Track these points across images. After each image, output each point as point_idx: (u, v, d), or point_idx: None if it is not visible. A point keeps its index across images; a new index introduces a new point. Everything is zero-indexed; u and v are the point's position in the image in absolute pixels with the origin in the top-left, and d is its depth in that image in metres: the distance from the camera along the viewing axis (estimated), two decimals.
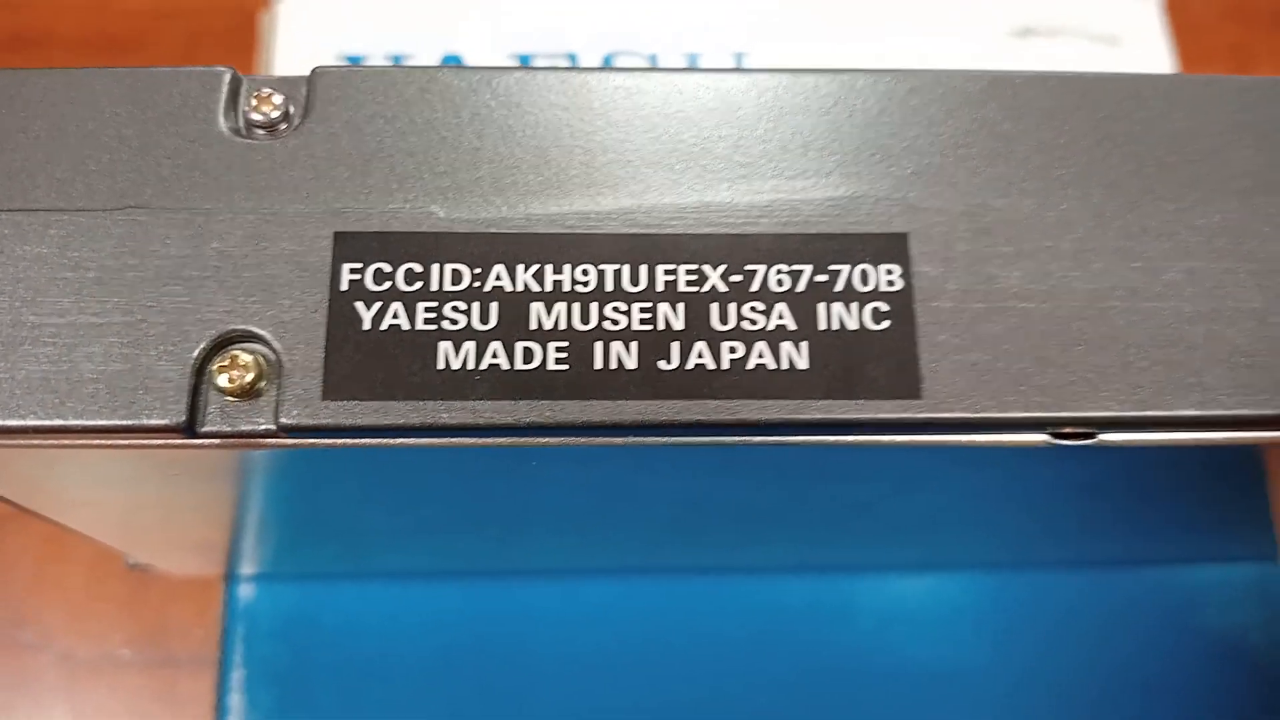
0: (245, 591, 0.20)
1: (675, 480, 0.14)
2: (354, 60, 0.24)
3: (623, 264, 0.12)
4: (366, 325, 0.11)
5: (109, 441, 0.11)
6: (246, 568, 0.20)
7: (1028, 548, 0.20)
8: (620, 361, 0.11)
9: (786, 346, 0.11)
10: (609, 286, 0.12)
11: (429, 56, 0.24)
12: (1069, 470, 0.14)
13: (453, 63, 0.24)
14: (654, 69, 0.18)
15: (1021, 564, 0.20)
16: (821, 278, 0.12)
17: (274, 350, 0.11)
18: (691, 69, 0.19)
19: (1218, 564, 0.21)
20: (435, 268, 0.11)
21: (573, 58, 0.24)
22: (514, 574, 0.21)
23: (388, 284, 0.11)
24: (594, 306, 0.11)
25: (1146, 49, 0.25)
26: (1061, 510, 0.18)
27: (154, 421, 0.11)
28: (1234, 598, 0.21)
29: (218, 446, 0.11)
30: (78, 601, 0.29)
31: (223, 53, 0.33)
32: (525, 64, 0.24)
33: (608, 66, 0.23)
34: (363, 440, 0.11)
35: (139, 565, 0.20)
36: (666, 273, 0.12)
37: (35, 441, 0.11)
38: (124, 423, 0.11)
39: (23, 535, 0.29)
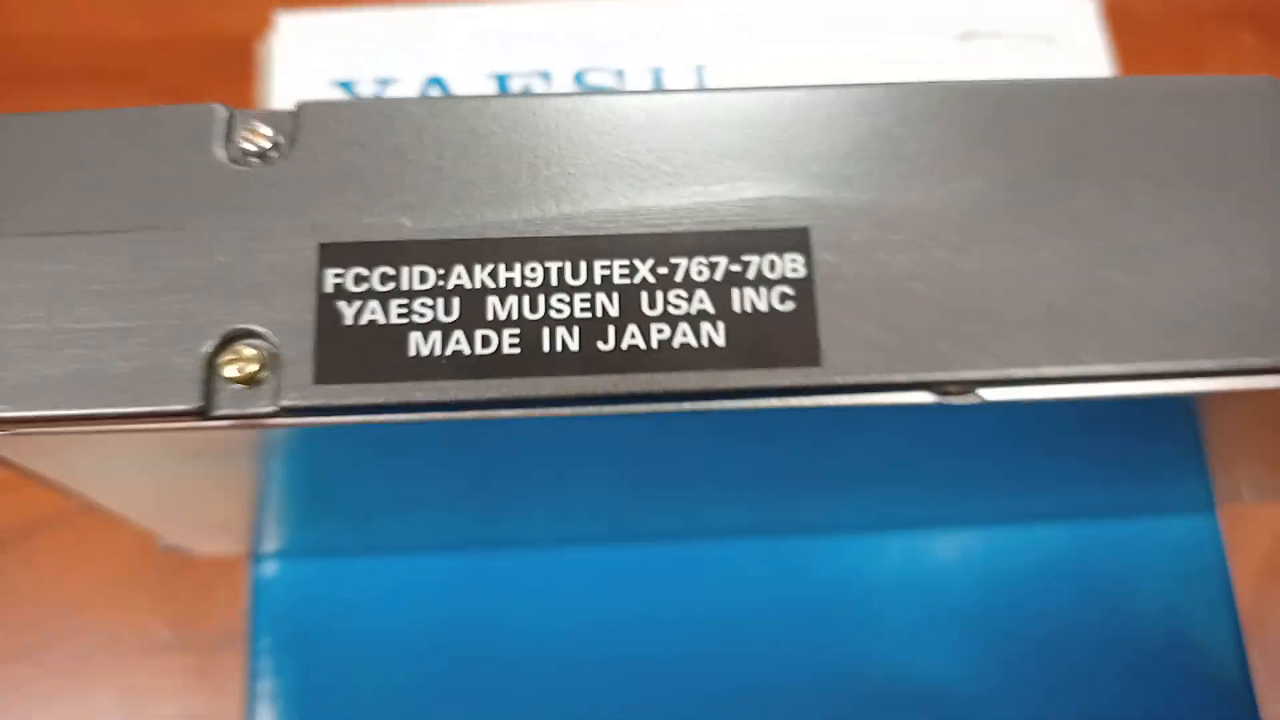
0: (267, 568, 0.23)
1: (625, 447, 0.16)
2: (344, 85, 0.26)
3: (565, 261, 0.14)
4: (349, 321, 0.13)
5: (137, 426, 0.13)
6: (268, 545, 0.22)
7: (961, 506, 0.22)
8: (564, 344, 0.13)
9: (706, 327, 0.13)
10: (553, 281, 0.14)
11: (413, 79, 0.26)
12: (987, 428, 0.16)
13: (435, 84, 0.26)
14: (591, 91, 0.20)
15: (956, 521, 0.22)
16: (735, 268, 0.14)
17: (273, 344, 0.13)
18: (624, 91, 0.21)
19: (1155, 516, 0.23)
20: (405, 270, 0.14)
21: (546, 75, 0.26)
22: (518, 544, 0.23)
23: (365, 286, 0.13)
24: (541, 298, 0.13)
25: (1083, 46, 0.27)
26: (992, 468, 0.20)
27: (174, 407, 0.13)
28: (1169, 549, 0.23)
29: (228, 427, 0.13)
30: (120, 590, 0.31)
31: (220, 80, 0.35)
32: (502, 82, 0.26)
33: (551, 93, 0.25)
34: (349, 418, 0.13)
35: (172, 547, 0.22)
36: (603, 268, 0.14)
37: (75, 429, 0.13)
38: (149, 409, 0.13)
39: (67, 533, 0.32)
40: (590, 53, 0.26)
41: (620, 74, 0.26)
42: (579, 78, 0.26)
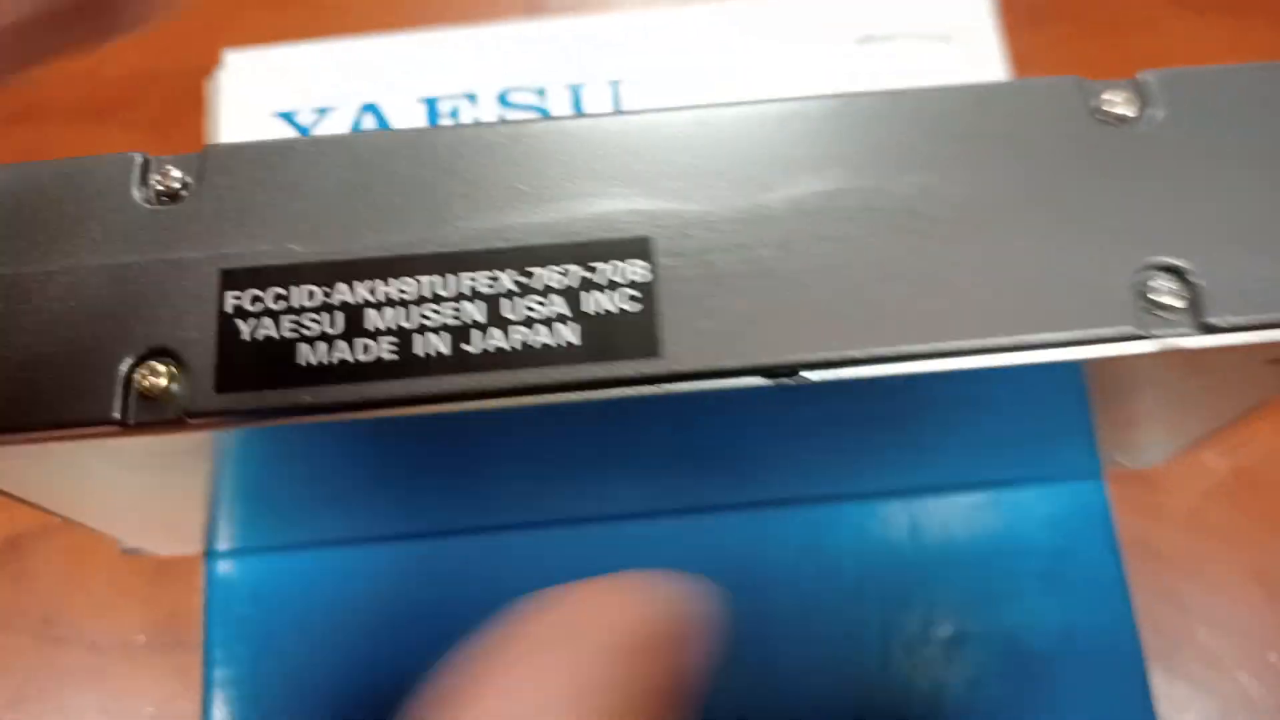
0: (221, 565, 0.25)
1: (513, 439, 0.18)
2: (286, 116, 0.28)
3: (435, 275, 0.16)
4: (246, 337, 0.15)
5: (64, 434, 0.15)
6: (222, 544, 0.24)
7: (852, 480, 0.24)
8: (437, 349, 0.15)
9: (561, 328, 0.15)
10: (425, 293, 0.16)
11: (349, 107, 0.28)
12: (859, 406, 0.18)
13: (370, 110, 0.28)
14: (462, 125, 0.22)
15: (849, 496, 0.24)
16: (586, 274, 0.16)
17: (181, 360, 0.15)
18: (489, 123, 0.23)
19: (1043, 485, 0.25)
20: (295, 290, 0.15)
21: (472, 97, 0.28)
22: (460, 532, 0.25)
23: (260, 305, 0.15)
24: (414, 309, 0.15)
25: (978, 45, 0.29)
26: (873, 442, 0.21)
27: (97, 417, 0.15)
28: (1057, 516, 0.24)
29: (143, 434, 0.15)
30: (101, 598, 0.33)
31: (194, 113, 0.37)
32: (431, 106, 0.28)
33: (429, 127, 0.27)
34: (249, 422, 0.15)
35: (133, 550, 0.24)
36: (469, 279, 0.16)
37: (14, 439, 0.15)
38: (75, 418, 0.15)
39: (50, 544, 0.34)
40: (511, 73, 0.28)
41: (541, 91, 0.28)
42: (502, 97, 0.28)
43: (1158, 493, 0.33)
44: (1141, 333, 0.15)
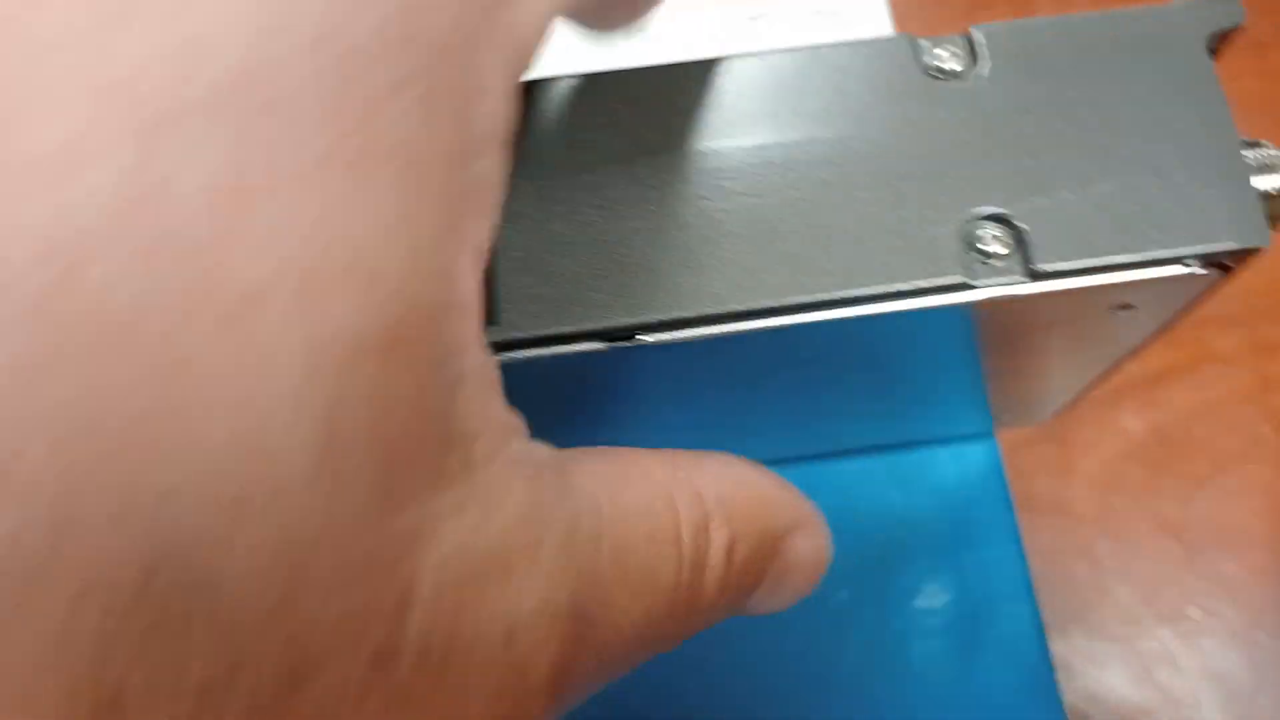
0: None
1: None
2: None
3: None
4: None
5: None
6: None
7: (739, 448, 0.24)
8: None
9: None
10: None
11: None
12: (721, 368, 0.18)
13: None
14: None
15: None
16: None
17: None
18: None
19: (936, 447, 0.25)
20: None
21: None
22: None
23: None
24: None
25: (866, 17, 0.29)
26: (760, 407, 0.21)
27: None
28: (950, 477, 0.25)
29: None
30: None
31: None
32: None
33: None
34: None
35: None
36: None
37: None
38: None
39: None
40: None
41: None
42: None
43: (1072, 453, 0.33)
44: (971, 281, 0.15)
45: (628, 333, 0.15)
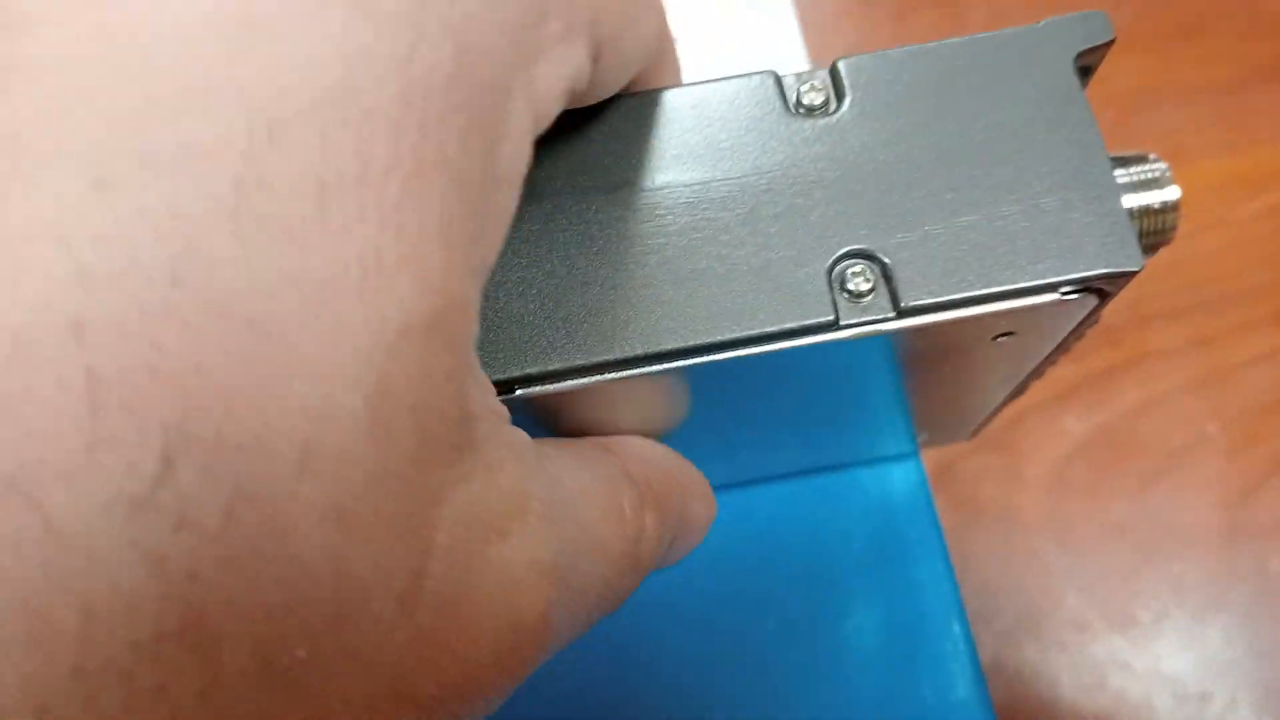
0: None
1: None
2: None
3: None
4: None
5: None
6: None
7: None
8: None
9: None
10: None
11: None
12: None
13: None
14: None
15: None
16: None
17: None
18: None
19: (867, 467, 0.25)
20: None
21: None
22: None
23: None
24: None
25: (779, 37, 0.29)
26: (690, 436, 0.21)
27: None
28: (881, 496, 0.24)
29: None
30: None
31: None
32: None
33: None
34: None
35: None
36: None
37: None
38: None
39: None
40: None
41: None
42: None
43: (1018, 459, 0.33)
44: (840, 320, 0.15)
45: (506, 387, 0.15)
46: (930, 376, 0.19)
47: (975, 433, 0.24)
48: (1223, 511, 0.32)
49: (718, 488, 0.19)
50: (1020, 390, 0.21)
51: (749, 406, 0.20)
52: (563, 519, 0.13)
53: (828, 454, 0.24)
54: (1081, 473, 0.33)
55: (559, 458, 0.14)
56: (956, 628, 0.23)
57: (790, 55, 0.28)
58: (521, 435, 0.13)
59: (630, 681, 0.24)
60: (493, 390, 0.13)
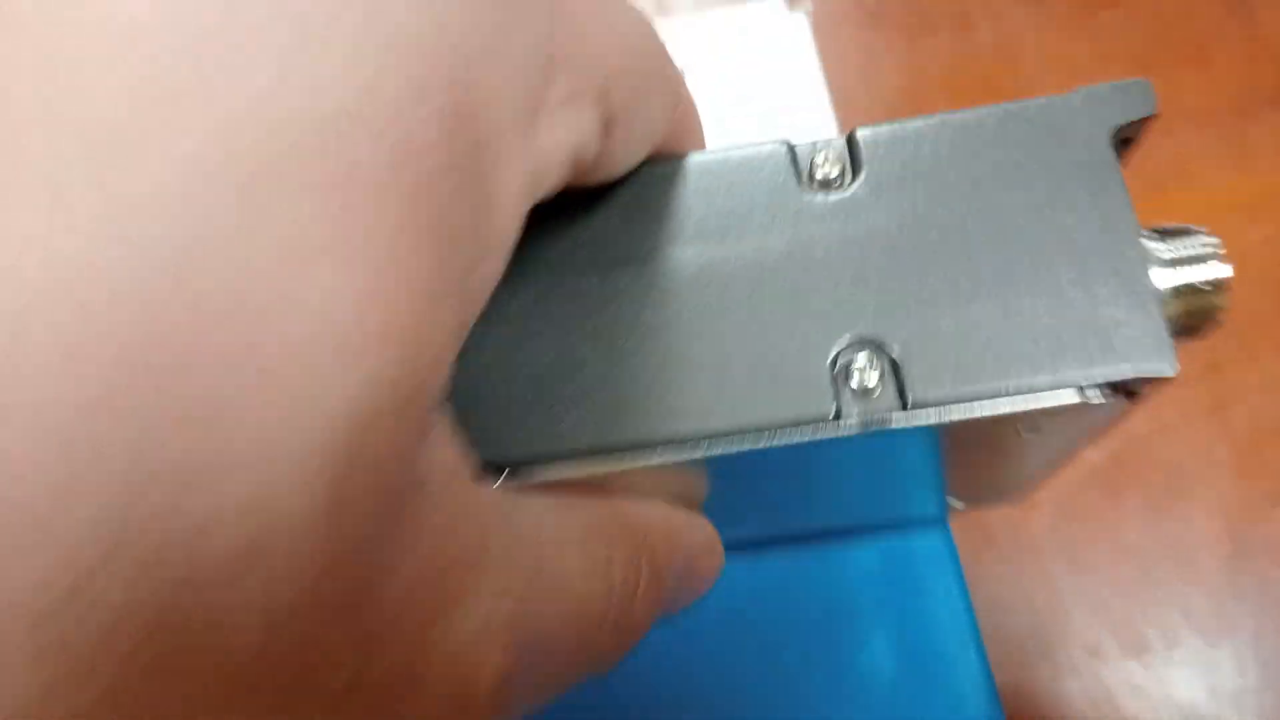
0: None
1: None
2: None
3: None
4: None
5: None
6: None
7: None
8: None
9: None
10: None
11: None
12: None
13: None
14: None
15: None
16: None
17: None
18: None
19: (899, 533, 0.24)
20: None
21: None
22: None
23: None
24: None
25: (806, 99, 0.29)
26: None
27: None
28: (912, 562, 0.24)
29: None
30: None
31: None
32: None
33: None
34: None
35: None
36: None
37: None
38: None
39: None
40: None
41: None
42: None
43: None
44: (842, 415, 0.14)
45: (498, 469, 0.14)
46: (958, 458, 0.18)
47: (1019, 500, 0.24)
48: (1234, 536, 0.32)
49: (728, 545, 0.19)
50: (1064, 462, 0.20)
51: (756, 487, 0.19)
52: (527, 576, 0.13)
53: (841, 522, 0.24)
54: (1094, 496, 0.33)
55: (536, 509, 0.13)
56: (975, 662, 0.23)
57: (810, 93, 0.28)
58: (483, 492, 0.12)
59: (647, 713, 0.24)
60: (454, 441, 0.12)
